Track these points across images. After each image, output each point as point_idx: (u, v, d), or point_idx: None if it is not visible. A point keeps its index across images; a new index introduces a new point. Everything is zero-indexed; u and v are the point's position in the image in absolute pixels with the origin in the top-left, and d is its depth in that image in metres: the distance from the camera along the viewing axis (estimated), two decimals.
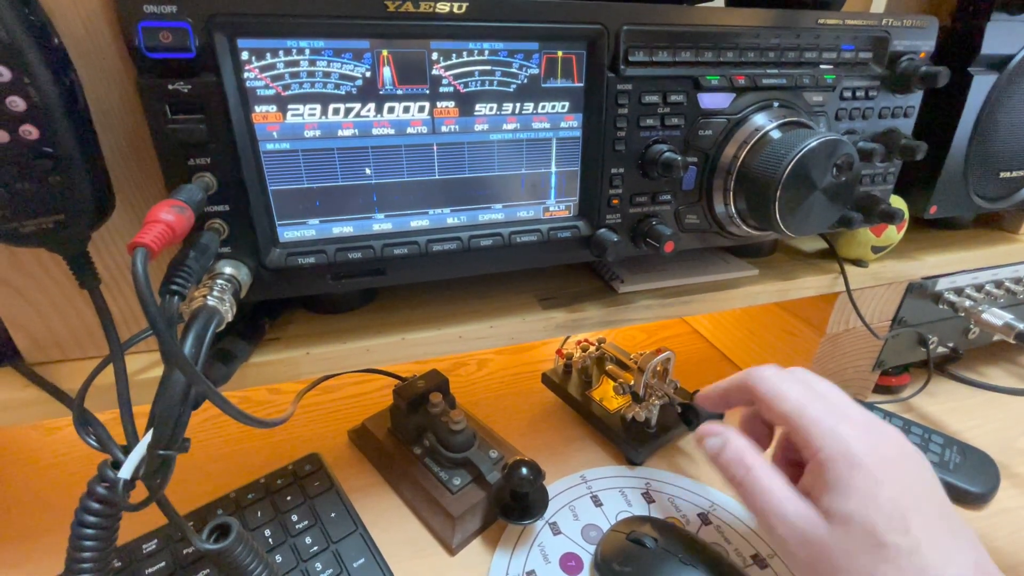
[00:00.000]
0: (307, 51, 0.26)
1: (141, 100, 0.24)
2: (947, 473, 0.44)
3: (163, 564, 0.36)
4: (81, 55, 0.24)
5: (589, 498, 0.43)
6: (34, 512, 0.42)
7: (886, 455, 0.26)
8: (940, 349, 0.55)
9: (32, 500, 0.43)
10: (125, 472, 0.24)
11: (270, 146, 0.27)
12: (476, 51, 0.29)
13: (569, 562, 0.38)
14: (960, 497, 0.43)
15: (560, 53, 0.30)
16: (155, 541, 0.37)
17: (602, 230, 0.34)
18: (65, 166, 0.22)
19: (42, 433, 0.51)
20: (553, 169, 0.33)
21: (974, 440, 0.48)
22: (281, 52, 0.26)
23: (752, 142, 0.33)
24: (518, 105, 0.31)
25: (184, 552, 0.36)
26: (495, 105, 0.30)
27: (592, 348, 0.55)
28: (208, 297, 0.25)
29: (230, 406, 0.23)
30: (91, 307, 0.29)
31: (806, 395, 0.29)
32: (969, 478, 0.44)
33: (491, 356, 0.63)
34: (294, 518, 0.39)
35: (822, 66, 0.35)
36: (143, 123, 0.25)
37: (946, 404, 0.55)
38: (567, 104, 0.32)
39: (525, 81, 0.30)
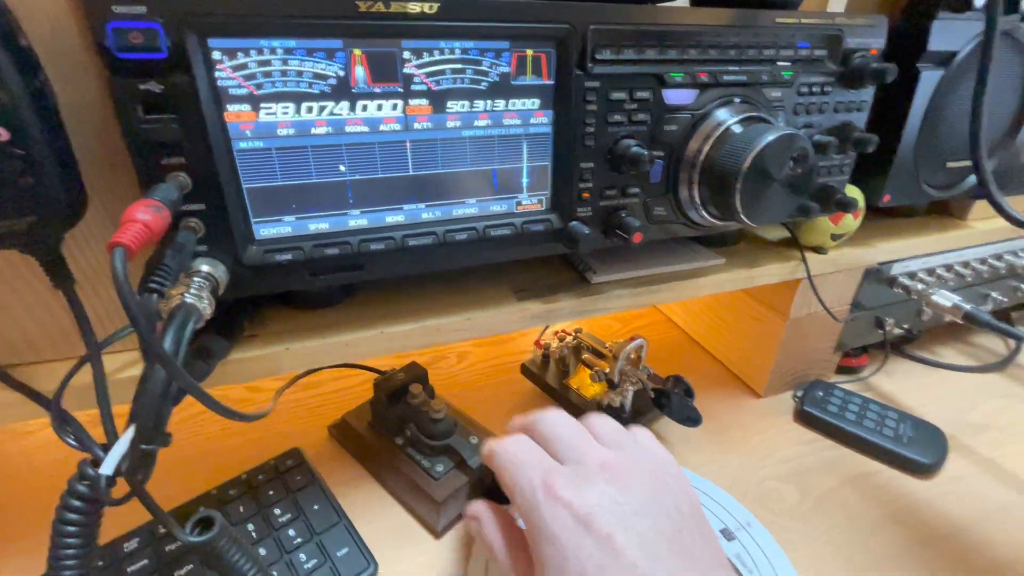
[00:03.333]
0: (279, 50, 0.27)
1: (112, 100, 0.24)
2: (900, 446, 0.47)
3: (146, 562, 0.36)
4: (50, 56, 0.24)
5: None
6: (9, 517, 0.42)
7: (580, 514, 0.25)
8: (896, 331, 0.58)
9: (6, 504, 0.43)
10: (107, 468, 0.24)
11: (244, 144, 0.28)
12: (447, 50, 0.29)
13: None
14: (911, 468, 0.46)
15: (530, 52, 0.31)
16: (136, 539, 0.37)
17: (573, 223, 0.36)
18: (36, 167, 0.22)
19: (13, 437, 0.50)
20: (525, 164, 0.34)
21: (927, 416, 0.52)
22: (253, 51, 0.26)
23: (715, 136, 0.34)
24: (489, 102, 0.32)
25: (167, 549, 0.37)
26: (467, 102, 0.31)
27: (569, 338, 0.57)
28: (186, 295, 0.25)
29: (211, 400, 0.24)
30: (64, 308, 0.29)
31: (524, 464, 0.28)
32: (920, 450, 0.47)
33: (470, 349, 0.64)
34: (277, 511, 0.40)
35: (780, 63, 0.37)
36: (115, 123, 0.25)
37: (902, 383, 0.58)
38: (537, 101, 0.33)
39: (496, 79, 0.31)
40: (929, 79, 0.43)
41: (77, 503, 0.25)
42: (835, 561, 0.39)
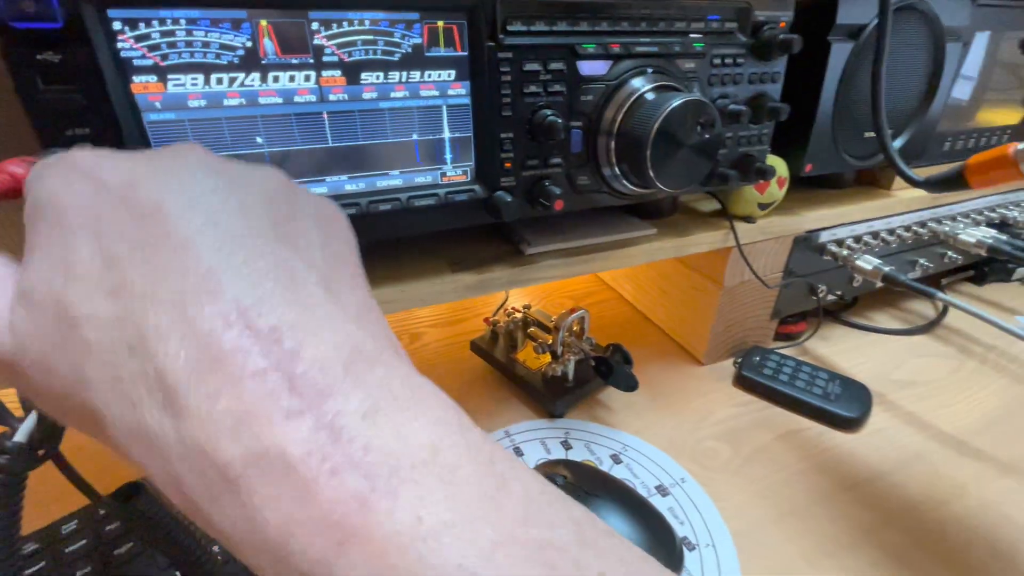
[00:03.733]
0: (182, 21, 0.27)
1: (9, 71, 0.24)
2: (827, 403, 0.50)
3: (84, 542, 0.36)
4: None
5: (511, 449, 0.46)
6: None
7: (120, 185, 0.15)
8: (830, 297, 0.61)
9: None
10: (20, 437, 0.24)
11: (154, 116, 0.28)
12: (356, 21, 0.30)
13: None
14: (838, 422, 0.49)
15: (441, 23, 0.32)
16: (75, 521, 0.37)
17: (498, 192, 0.37)
18: None
19: None
20: (447, 135, 0.35)
21: (857, 375, 0.54)
22: (156, 22, 0.27)
23: (628, 104, 0.36)
24: (404, 74, 0.32)
25: (107, 528, 0.37)
26: (381, 74, 0.32)
27: (517, 314, 0.58)
28: None
29: None
30: None
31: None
32: (846, 406, 0.50)
33: (425, 329, 0.65)
34: None
35: (691, 35, 0.39)
36: (14, 95, 0.25)
37: (836, 346, 0.61)
38: (453, 72, 0.34)
39: (409, 50, 0.32)
40: (840, 51, 0.45)
41: None
42: (761, 509, 0.41)
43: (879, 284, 0.53)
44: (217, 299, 0.13)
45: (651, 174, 0.35)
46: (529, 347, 0.55)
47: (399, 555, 0.12)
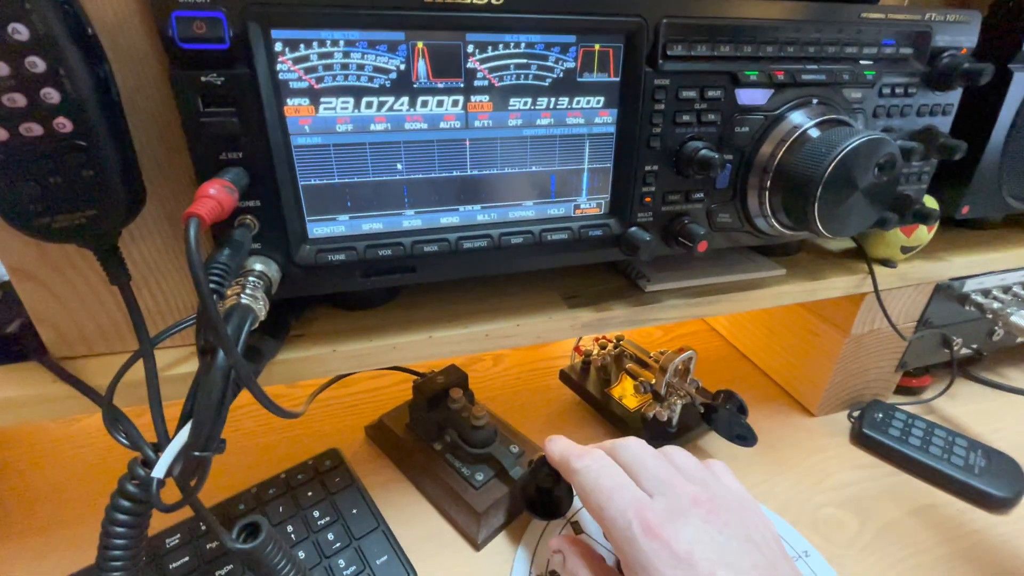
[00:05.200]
0: (341, 43, 0.25)
1: (173, 92, 0.24)
2: (972, 477, 0.44)
3: (187, 559, 0.36)
4: (113, 45, 0.23)
5: None
6: (56, 504, 0.42)
7: (681, 551, 0.25)
8: (964, 351, 0.54)
9: (54, 492, 0.43)
10: (158, 472, 0.23)
11: (302, 140, 0.27)
12: (512, 44, 0.28)
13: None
14: (985, 501, 0.43)
15: (597, 46, 0.29)
16: (178, 535, 0.37)
17: (633, 228, 0.34)
18: (98, 160, 0.22)
19: (61, 425, 0.51)
20: (586, 166, 0.32)
21: (997, 443, 0.48)
22: (315, 43, 0.25)
23: (791, 140, 0.32)
24: (553, 100, 0.30)
25: (208, 547, 0.36)
26: (530, 100, 0.29)
27: (610, 346, 0.55)
28: (242, 295, 0.24)
29: (264, 395, 0.23)
30: (118, 302, 0.28)
31: (612, 490, 0.28)
32: (994, 482, 0.43)
33: (507, 352, 0.63)
34: (315, 514, 0.39)
35: (862, 61, 0.34)
36: (174, 116, 0.24)
37: (968, 406, 0.54)
38: (602, 99, 0.31)
39: (560, 75, 0.29)
40: (1022, 81, 0.40)
41: (127, 503, 0.24)
42: None
43: None
44: None
45: (816, 219, 0.31)
46: (625, 383, 0.52)
47: None
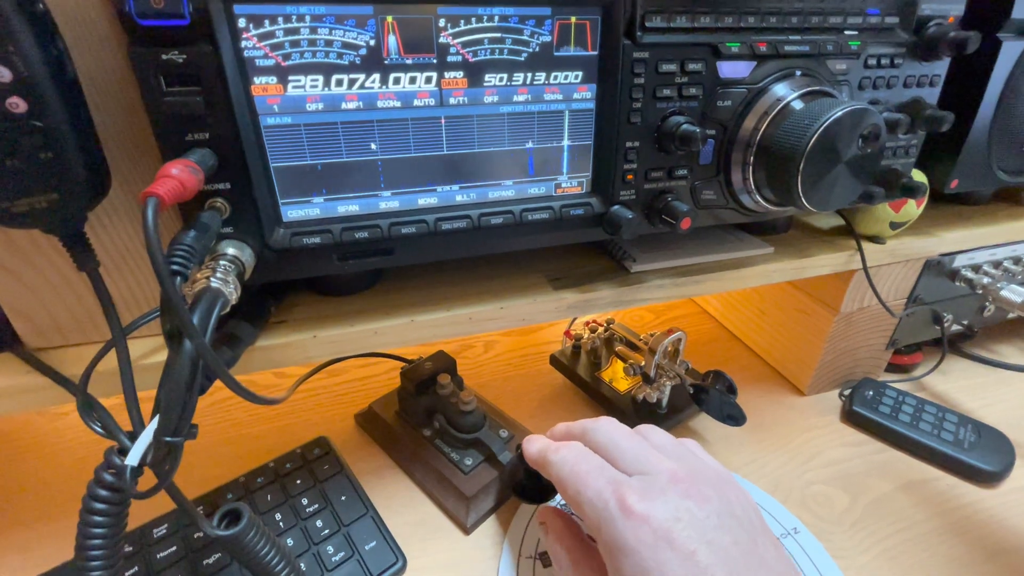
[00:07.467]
0: (308, 17, 0.25)
1: (134, 71, 0.23)
2: (961, 452, 0.44)
3: (174, 548, 0.36)
4: (68, 22, 0.22)
5: None
6: (43, 497, 0.42)
7: (660, 528, 0.24)
8: (954, 327, 0.54)
9: (40, 486, 0.43)
10: (132, 459, 0.23)
11: (271, 120, 0.26)
12: (485, 17, 0.27)
13: None
14: (975, 476, 0.43)
15: (574, 19, 0.29)
16: (165, 525, 0.37)
17: (616, 207, 0.33)
18: (56, 141, 0.21)
19: (48, 419, 0.50)
20: (566, 143, 0.32)
21: (988, 418, 0.48)
22: (280, 19, 0.24)
23: (773, 113, 0.31)
24: (529, 75, 0.29)
25: (195, 536, 0.36)
26: (505, 75, 0.29)
27: (601, 329, 0.55)
28: (211, 279, 0.24)
29: (232, 379, 0.22)
30: (91, 291, 0.28)
31: (587, 474, 0.27)
32: (984, 457, 0.44)
33: (498, 338, 0.63)
34: (304, 502, 0.39)
35: (847, 32, 0.34)
36: (137, 96, 0.24)
37: (959, 382, 0.54)
38: (580, 74, 0.30)
39: (537, 49, 0.29)
40: (1011, 50, 0.39)
41: (103, 492, 0.24)
42: (889, 572, 0.36)
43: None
44: None
45: (800, 193, 0.30)
46: (615, 366, 0.52)
47: None
